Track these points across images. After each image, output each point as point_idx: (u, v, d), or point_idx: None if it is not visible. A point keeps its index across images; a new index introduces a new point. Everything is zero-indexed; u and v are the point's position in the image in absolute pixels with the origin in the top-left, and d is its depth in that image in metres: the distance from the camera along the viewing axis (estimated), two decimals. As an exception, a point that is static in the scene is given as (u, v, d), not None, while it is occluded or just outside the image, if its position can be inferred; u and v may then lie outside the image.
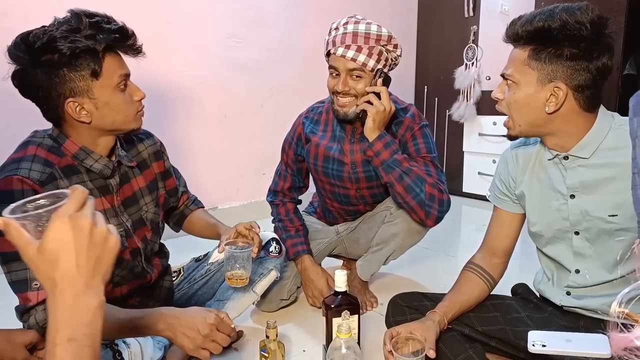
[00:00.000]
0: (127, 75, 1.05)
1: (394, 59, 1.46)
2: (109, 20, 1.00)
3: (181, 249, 1.67)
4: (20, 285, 0.95)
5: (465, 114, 3.13)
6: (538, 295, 1.24)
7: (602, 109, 1.03)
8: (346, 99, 1.44)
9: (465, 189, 3.32)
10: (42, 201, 0.54)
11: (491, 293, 1.24)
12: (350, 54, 1.39)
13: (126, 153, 1.17)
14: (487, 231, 1.27)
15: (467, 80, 3.08)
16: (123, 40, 1.01)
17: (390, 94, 1.47)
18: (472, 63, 3.07)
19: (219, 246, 1.26)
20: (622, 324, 0.38)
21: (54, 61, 0.93)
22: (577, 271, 1.09)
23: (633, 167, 0.35)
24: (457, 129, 3.31)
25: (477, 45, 3.06)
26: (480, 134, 3.15)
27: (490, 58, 2.98)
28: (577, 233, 1.07)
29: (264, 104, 2.86)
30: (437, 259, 2.22)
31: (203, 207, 1.46)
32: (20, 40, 0.94)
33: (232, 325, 1.08)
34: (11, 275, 0.95)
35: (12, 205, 0.53)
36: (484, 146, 3.16)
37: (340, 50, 1.39)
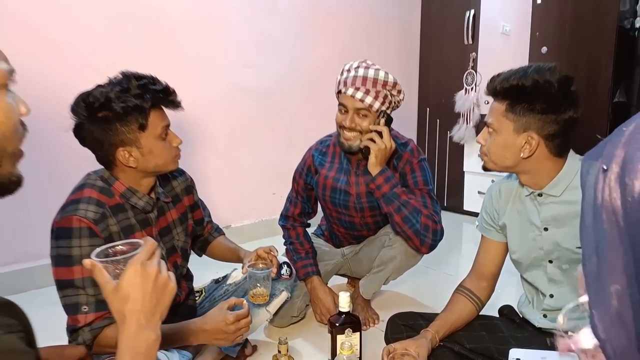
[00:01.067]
0: (168, 126, 1.22)
1: (397, 102, 1.63)
2: (154, 81, 1.18)
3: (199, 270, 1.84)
4: (71, 308, 1.12)
5: (465, 136, 3.28)
6: (521, 316, 1.38)
7: (571, 153, 1.19)
8: (351, 134, 1.60)
9: (465, 207, 3.46)
10: (120, 247, 0.72)
11: (480, 313, 1.39)
12: (359, 95, 1.55)
13: (162, 189, 1.34)
14: (475, 257, 1.42)
15: (467, 104, 3.24)
16: (166, 97, 1.19)
17: (391, 129, 1.64)
18: (472, 88, 3.23)
19: (242, 268, 1.43)
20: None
21: (108, 118, 1.11)
22: (552, 296, 1.24)
23: (581, 216, 0.43)
24: (457, 150, 3.46)
25: (476, 71, 3.22)
26: (479, 155, 3.29)
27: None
28: (550, 261, 1.22)
29: (274, 127, 3.03)
30: (437, 277, 2.36)
31: (224, 234, 1.63)
32: (81, 100, 1.12)
33: (245, 309, 1.24)
34: (65, 299, 1.12)
35: (98, 250, 0.71)
36: (483, 166, 3.29)
37: (350, 91, 1.56)
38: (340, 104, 1.62)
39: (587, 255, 0.40)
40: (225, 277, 1.64)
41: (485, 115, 1.26)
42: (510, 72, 1.15)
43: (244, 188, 2.95)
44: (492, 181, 1.62)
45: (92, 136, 1.13)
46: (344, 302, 1.32)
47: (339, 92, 1.62)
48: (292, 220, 1.89)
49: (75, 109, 1.12)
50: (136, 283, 0.67)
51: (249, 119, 2.89)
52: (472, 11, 3.19)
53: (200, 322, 1.21)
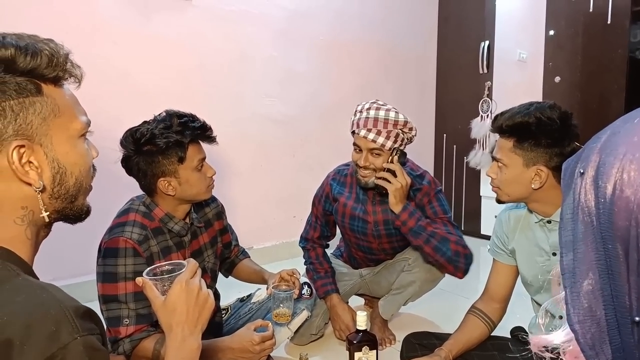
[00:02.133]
0: (204, 159, 1.36)
1: (409, 139, 1.71)
2: (193, 119, 1.32)
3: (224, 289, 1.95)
4: (114, 321, 1.24)
5: (482, 162, 3.35)
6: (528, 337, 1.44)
7: (576, 183, 1.27)
8: (367, 172, 1.70)
9: (483, 231, 3.51)
10: (167, 267, 0.84)
11: (491, 334, 1.46)
12: (371, 136, 1.63)
13: (196, 215, 1.46)
14: (487, 280, 1.49)
15: (483, 131, 3.32)
16: (203, 133, 1.33)
17: (407, 161, 1.73)
18: (487, 115, 3.32)
19: (266, 289, 1.53)
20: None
21: (152, 151, 1.25)
22: (561, 317, 1.30)
23: (560, 215, 0.45)
24: (474, 175, 3.53)
25: (491, 99, 3.32)
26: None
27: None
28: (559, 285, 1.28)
29: (295, 154, 3.17)
30: (453, 300, 2.41)
31: (249, 256, 1.74)
32: (130, 135, 1.27)
33: (270, 331, 1.33)
34: (108, 312, 1.24)
35: (148, 269, 0.83)
36: (500, 191, 3.36)
37: (362, 132, 1.64)
38: (354, 144, 1.71)
39: (564, 252, 0.43)
40: (250, 296, 1.75)
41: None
42: (514, 111, 1.25)
43: (266, 211, 3.07)
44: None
45: (138, 167, 1.28)
46: (362, 321, 1.41)
47: (353, 132, 1.71)
48: (312, 242, 2.00)
49: (124, 142, 1.27)
50: (181, 298, 0.79)
51: (271, 146, 3.04)
52: (487, 42, 3.30)
53: (228, 340, 1.31)
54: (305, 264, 2.00)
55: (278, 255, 3.04)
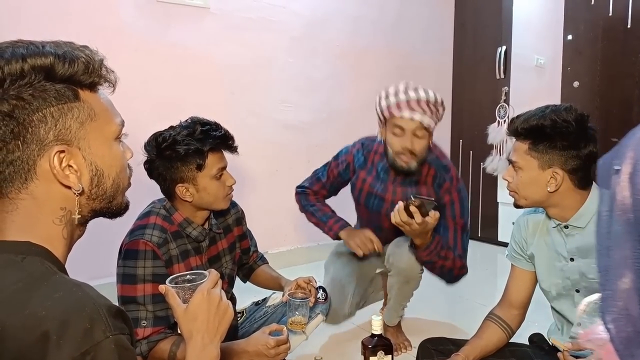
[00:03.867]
0: (224, 167, 1.37)
1: (440, 118, 1.70)
2: (216, 127, 1.34)
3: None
4: (132, 322, 1.25)
5: (499, 168, 3.32)
6: (550, 343, 1.41)
7: (594, 186, 1.25)
8: (410, 157, 1.67)
9: (500, 238, 3.47)
10: (189, 276, 0.86)
11: (510, 340, 1.43)
12: (417, 116, 1.61)
13: (216, 221, 1.48)
14: (506, 286, 1.47)
15: (500, 136, 3.29)
16: (224, 142, 1.34)
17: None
18: (504, 120, 3.29)
19: (282, 296, 1.54)
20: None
21: (172, 157, 1.27)
22: (579, 324, 1.27)
23: (597, 216, 0.44)
24: (491, 181, 3.49)
25: (508, 105, 3.29)
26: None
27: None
28: (577, 291, 1.26)
29: (310, 159, 3.18)
30: (470, 307, 2.38)
31: (267, 262, 1.75)
32: (154, 139, 1.29)
33: (284, 335, 1.32)
34: (127, 314, 1.26)
35: (171, 277, 0.85)
36: (518, 197, 3.31)
37: (407, 114, 1.61)
38: (396, 127, 1.64)
39: (601, 253, 0.43)
40: (265, 300, 1.75)
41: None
42: (529, 114, 1.24)
43: (281, 216, 3.08)
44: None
45: (158, 171, 1.30)
46: (377, 325, 1.40)
47: (391, 116, 1.65)
48: (312, 191, 1.98)
49: (147, 146, 1.29)
50: (202, 307, 0.81)
51: (287, 151, 3.06)
52: (504, 47, 3.28)
53: (243, 343, 1.32)
54: (304, 209, 1.96)
55: (293, 260, 3.05)
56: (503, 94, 3.31)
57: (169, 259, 1.28)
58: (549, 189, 1.22)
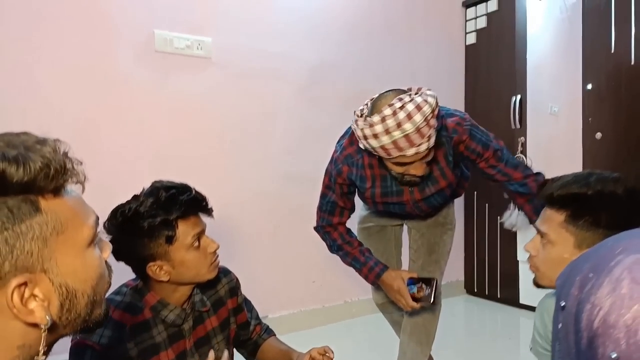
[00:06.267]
0: (202, 232, 1.16)
1: (437, 115, 1.43)
2: (183, 190, 1.14)
3: None
4: None
5: (518, 223, 3.07)
6: None
7: None
8: (415, 176, 1.47)
9: (522, 300, 3.17)
10: None
11: None
12: (411, 151, 1.34)
13: (202, 296, 1.26)
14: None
15: (520, 222, 3.07)
16: (195, 206, 1.15)
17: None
18: (522, 172, 3.09)
19: None
20: None
21: (136, 233, 1.08)
22: None
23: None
24: (510, 237, 3.25)
25: (525, 156, 3.10)
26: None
27: (539, 167, 2.98)
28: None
29: (314, 214, 2.98)
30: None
31: (274, 335, 1.51)
32: (113, 215, 1.10)
33: None
34: None
35: None
36: (539, 255, 3.05)
37: (411, 151, 1.34)
38: (396, 164, 1.43)
39: None
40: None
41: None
42: (568, 179, 1.05)
43: (282, 276, 2.86)
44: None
45: (122, 250, 1.10)
46: None
47: (382, 157, 1.43)
48: (333, 226, 1.74)
49: (106, 224, 1.10)
50: None
51: (289, 205, 2.86)
52: (519, 96, 3.13)
53: None
54: (332, 251, 1.78)
55: (296, 325, 2.79)
56: (519, 144, 3.13)
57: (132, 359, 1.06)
58: None
